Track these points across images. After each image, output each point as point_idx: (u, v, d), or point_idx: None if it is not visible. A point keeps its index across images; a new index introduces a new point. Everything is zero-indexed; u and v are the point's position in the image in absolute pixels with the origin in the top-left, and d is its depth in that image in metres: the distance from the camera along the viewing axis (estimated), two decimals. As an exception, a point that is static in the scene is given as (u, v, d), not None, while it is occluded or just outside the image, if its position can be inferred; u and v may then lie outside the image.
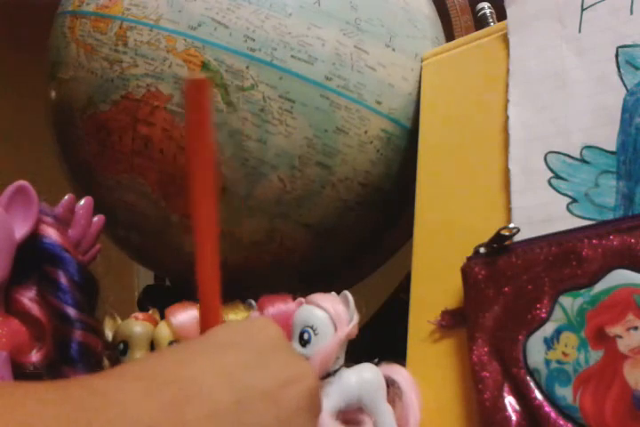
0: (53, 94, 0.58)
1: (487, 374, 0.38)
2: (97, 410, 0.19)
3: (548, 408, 0.36)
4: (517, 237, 0.41)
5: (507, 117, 0.46)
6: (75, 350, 0.40)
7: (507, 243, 0.41)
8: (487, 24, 0.59)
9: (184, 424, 0.20)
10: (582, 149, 0.42)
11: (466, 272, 0.42)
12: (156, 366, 0.23)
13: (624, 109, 0.41)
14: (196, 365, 0.23)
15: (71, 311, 0.41)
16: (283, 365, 0.26)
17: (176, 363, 0.23)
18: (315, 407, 0.26)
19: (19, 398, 0.18)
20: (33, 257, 0.42)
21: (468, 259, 0.42)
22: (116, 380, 0.21)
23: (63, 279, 0.41)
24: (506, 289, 0.39)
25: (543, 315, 0.38)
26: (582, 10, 0.45)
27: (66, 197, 0.46)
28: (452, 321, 0.43)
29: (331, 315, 0.43)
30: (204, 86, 0.28)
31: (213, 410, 0.22)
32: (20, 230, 0.41)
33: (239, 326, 0.28)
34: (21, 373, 0.38)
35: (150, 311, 0.51)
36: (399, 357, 0.45)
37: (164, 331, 0.48)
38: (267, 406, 0.23)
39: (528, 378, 0.37)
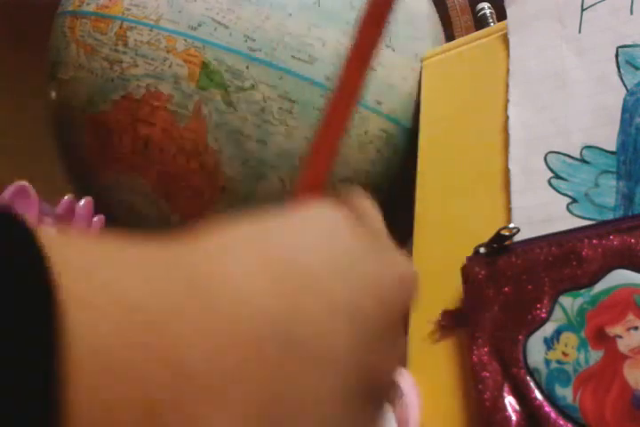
0: (53, 94, 0.58)
1: (487, 374, 0.38)
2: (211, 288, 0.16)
3: (547, 408, 0.36)
4: (517, 237, 0.41)
5: (507, 117, 0.46)
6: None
7: (507, 243, 0.41)
8: (487, 24, 0.59)
9: (306, 315, 0.18)
10: (582, 149, 0.42)
11: (466, 272, 0.42)
12: (268, 242, 0.20)
13: (624, 109, 0.41)
14: (309, 253, 0.20)
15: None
16: (392, 261, 0.23)
17: (288, 246, 0.20)
18: (407, 310, 0.23)
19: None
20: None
21: (468, 259, 0.42)
22: (219, 248, 0.18)
23: (63, 279, 0.41)
24: (506, 289, 0.39)
25: (543, 315, 0.38)
26: (582, 10, 0.45)
27: (66, 197, 0.46)
28: (452, 321, 0.43)
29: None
30: None
31: (329, 299, 0.19)
32: (20, 230, 0.41)
33: (340, 208, 0.24)
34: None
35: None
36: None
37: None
38: (375, 307, 0.21)
39: (528, 378, 0.37)
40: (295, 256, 0.20)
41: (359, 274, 0.21)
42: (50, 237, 0.13)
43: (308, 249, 0.20)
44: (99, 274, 0.14)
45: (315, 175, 0.26)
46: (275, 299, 0.17)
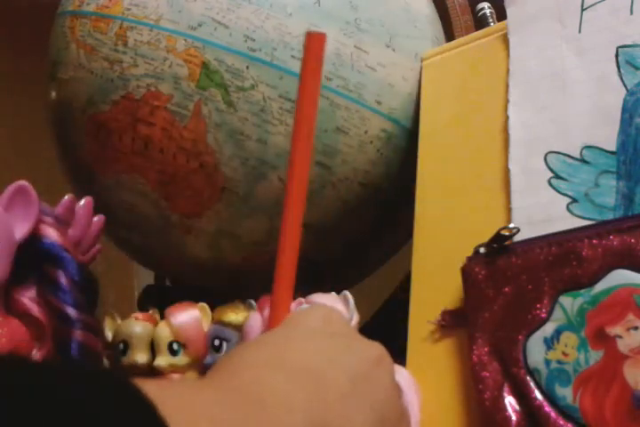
0: (53, 94, 0.58)
1: (487, 374, 0.38)
2: (258, 410, 0.20)
3: (547, 408, 0.36)
4: (517, 237, 0.41)
5: (507, 117, 0.46)
6: (75, 350, 0.40)
7: (507, 243, 0.41)
8: (487, 24, 0.59)
9: (327, 407, 0.22)
10: (582, 149, 0.42)
11: (466, 272, 0.42)
12: (276, 354, 0.24)
13: (624, 109, 0.41)
14: (307, 352, 0.25)
15: (71, 311, 0.41)
16: (366, 347, 0.28)
17: (290, 351, 0.25)
18: (395, 382, 0.28)
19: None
20: (33, 257, 0.42)
21: (468, 259, 0.42)
22: (258, 371, 0.22)
23: (63, 279, 0.41)
24: (506, 289, 0.39)
25: (543, 315, 0.38)
26: (582, 10, 0.45)
27: (66, 197, 0.46)
28: (452, 321, 0.43)
29: (331, 315, 0.43)
30: (322, 39, 0.33)
31: (340, 393, 0.23)
32: (20, 230, 0.41)
33: (313, 313, 0.29)
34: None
35: (150, 311, 0.51)
36: (399, 357, 0.45)
37: (164, 331, 0.48)
38: (373, 385, 0.26)
39: (528, 378, 0.37)
40: (301, 359, 0.24)
41: (346, 361, 0.25)
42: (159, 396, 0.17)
43: (306, 352, 0.25)
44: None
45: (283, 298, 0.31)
46: (320, 408, 0.22)
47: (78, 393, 0.16)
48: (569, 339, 0.36)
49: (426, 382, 0.43)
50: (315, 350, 0.25)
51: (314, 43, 0.33)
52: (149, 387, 0.17)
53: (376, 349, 0.29)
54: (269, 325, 0.30)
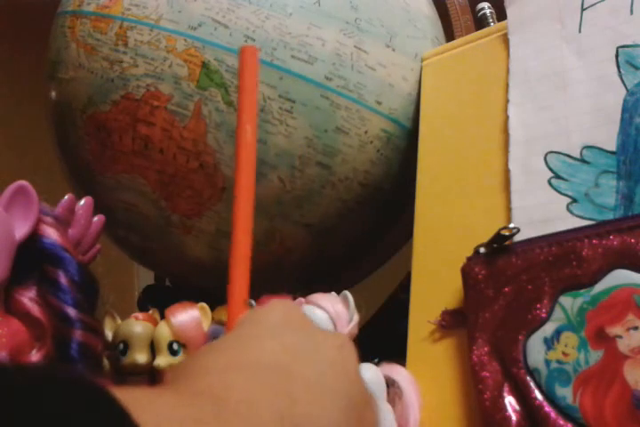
0: (53, 94, 0.58)
1: (487, 374, 0.38)
2: (222, 408, 0.20)
3: (548, 408, 0.36)
4: (517, 237, 0.41)
5: (507, 117, 0.46)
6: (75, 350, 0.40)
7: (507, 243, 0.41)
8: (487, 24, 0.59)
9: (294, 400, 0.23)
10: (582, 149, 0.42)
11: (466, 272, 0.42)
12: (236, 356, 0.25)
13: (624, 109, 0.41)
14: (269, 349, 0.25)
15: (71, 311, 0.41)
16: (327, 337, 0.29)
17: (251, 350, 0.25)
18: (357, 363, 0.29)
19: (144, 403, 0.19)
20: (33, 257, 0.42)
21: (468, 259, 0.42)
22: (219, 375, 0.23)
23: (63, 279, 0.41)
24: (506, 289, 0.39)
25: (543, 315, 0.38)
26: (582, 10, 0.45)
27: (66, 197, 0.46)
28: (452, 321, 0.43)
29: (331, 315, 0.43)
30: (254, 53, 0.34)
31: (306, 385, 0.24)
32: (20, 230, 0.41)
33: (272, 309, 0.30)
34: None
35: (150, 311, 0.51)
36: (399, 357, 0.45)
37: (164, 331, 0.48)
38: (338, 372, 0.26)
39: (528, 378, 0.37)
40: (264, 356, 0.25)
41: (310, 354, 0.26)
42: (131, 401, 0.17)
43: (269, 348, 0.25)
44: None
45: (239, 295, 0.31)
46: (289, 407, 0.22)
47: (50, 396, 0.16)
48: (569, 339, 0.36)
49: (426, 382, 0.43)
50: (278, 347, 0.26)
51: (247, 56, 0.34)
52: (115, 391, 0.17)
53: (337, 337, 0.30)
54: (229, 326, 0.31)
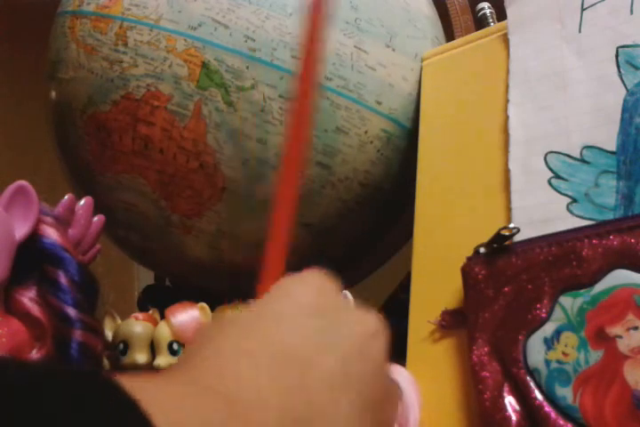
0: (53, 94, 0.58)
1: (487, 374, 0.38)
2: (231, 394, 0.20)
3: (548, 408, 0.36)
4: (517, 237, 0.41)
5: (507, 117, 0.46)
6: (75, 350, 0.40)
7: (507, 243, 0.41)
8: (487, 24, 0.59)
9: (310, 398, 0.21)
10: (582, 149, 0.42)
11: (466, 272, 0.42)
12: (256, 336, 0.23)
13: (624, 109, 0.41)
14: (292, 336, 0.24)
15: (71, 311, 0.41)
16: (360, 320, 0.27)
17: (273, 334, 0.24)
18: (386, 352, 0.27)
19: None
20: (33, 257, 0.42)
21: (468, 259, 0.42)
22: (230, 362, 0.22)
23: (63, 279, 0.41)
24: (506, 289, 0.39)
25: (543, 315, 0.38)
26: (582, 10, 0.45)
27: (66, 197, 0.46)
28: (452, 321, 0.43)
29: (331, 315, 0.43)
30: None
31: (327, 378, 0.23)
32: (20, 230, 0.41)
33: (306, 284, 0.27)
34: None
35: (150, 311, 0.51)
36: (399, 357, 0.45)
37: (164, 331, 0.48)
38: (362, 365, 0.25)
39: (528, 378, 0.37)
40: (284, 342, 0.23)
41: (337, 340, 0.25)
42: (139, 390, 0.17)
43: (291, 333, 0.24)
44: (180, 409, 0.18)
45: (275, 261, 0.29)
46: (286, 396, 0.21)
47: (60, 389, 0.16)
48: (569, 339, 0.36)
49: (426, 382, 0.43)
50: (301, 333, 0.24)
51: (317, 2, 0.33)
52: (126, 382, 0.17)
53: (371, 322, 0.27)
54: (259, 289, 0.28)
